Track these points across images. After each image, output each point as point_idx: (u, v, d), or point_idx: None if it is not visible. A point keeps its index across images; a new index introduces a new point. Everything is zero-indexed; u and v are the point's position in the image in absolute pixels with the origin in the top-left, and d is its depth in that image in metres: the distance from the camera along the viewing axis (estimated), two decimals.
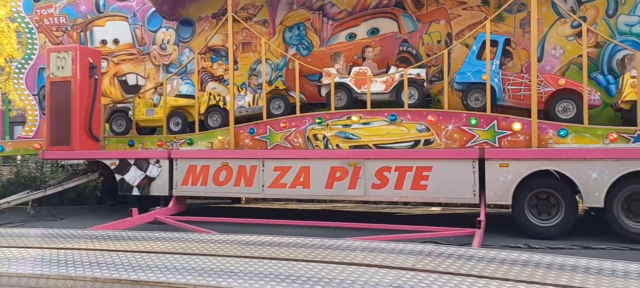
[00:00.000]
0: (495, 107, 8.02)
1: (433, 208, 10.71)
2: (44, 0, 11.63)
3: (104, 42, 11.52)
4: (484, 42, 8.07)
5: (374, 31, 9.81)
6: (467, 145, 7.82)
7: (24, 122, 11.61)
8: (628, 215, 6.95)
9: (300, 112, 8.86)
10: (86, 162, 10.72)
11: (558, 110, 7.76)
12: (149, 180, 9.27)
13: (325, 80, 8.95)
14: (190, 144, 9.44)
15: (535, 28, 7.70)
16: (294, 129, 8.78)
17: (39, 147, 10.56)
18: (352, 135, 8.44)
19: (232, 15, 9.21)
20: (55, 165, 12.59)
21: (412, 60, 9.32)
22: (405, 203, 10.96)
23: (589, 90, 7.64)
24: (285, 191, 8.54)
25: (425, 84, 8.56)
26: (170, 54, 11.16)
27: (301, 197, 9.49)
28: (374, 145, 8.29)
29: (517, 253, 5.08)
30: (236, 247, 5.37)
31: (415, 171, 7.77)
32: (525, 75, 8.10)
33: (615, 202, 6.92)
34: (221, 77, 10.74)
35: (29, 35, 11.57)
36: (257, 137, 9.01)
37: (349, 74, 8.85)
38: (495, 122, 7.73)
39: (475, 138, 7.82)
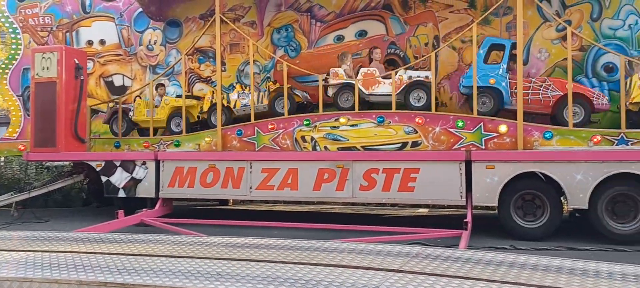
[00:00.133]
0: (502, 111, 7.99)
1: (420, 210, 10.76)
2: (28, 0, 11.50)
3: (90, 42, 11.42)
4: (490, 46, 8.07)
5: (362, 33, 9.84)
6: (454, 147, 7.87)
7: (8, 123, 11.45)
8: (612, 216, 7.04)
9: (306, 112, 8.77)
10: (71, 164, 10.61)
11: (566, 115, 7.68)
12: (135, 182, 9.20)
13: (332, 80, 8.78)
14: (177, 145, 9.39)
15: (521, 31, 7.77)
16: (281, 130, 8.77)
17: (23, 148, 10.43)
18: (340, 137, 8.45)
19: (220, 17, 9.17)
20: (40, 166, 12.43)
21: (400, 63, 9.35)
22: (393, 205, 11.01)
23: (596, 94, 7.72)
24: (273, 193, 8.52)
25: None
26: (157, 55, 11.08)
27: (289, 198, 9.48)
28: (362, 147, 8.31)
29: (503, 254, 5.12)
30: (223, 249, 5.35)
31: (403, 173, 7.80)
32: (533, 80, 8.10)
33: (599, 204, 7.01)
34: (209, 79, 10.69)
35: (13, 35, 11.43)
36: (244, 139, 8.98)
37: (357, 74, 8.73)
38: (481, 124, 7.79)
39: (462, 140, 7.87)
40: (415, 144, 8.08)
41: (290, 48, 10.24)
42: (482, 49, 8.16)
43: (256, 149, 8.87)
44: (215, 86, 9.90)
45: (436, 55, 8.70)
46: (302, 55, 10.12)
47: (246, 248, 5.36)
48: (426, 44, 9.38)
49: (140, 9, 10.89)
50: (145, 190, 9.13)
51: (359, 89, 8.52)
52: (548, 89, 7.90)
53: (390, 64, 9.51)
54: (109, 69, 11.34)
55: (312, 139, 8.59)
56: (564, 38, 8.21)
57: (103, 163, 9.37)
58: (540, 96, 7.91)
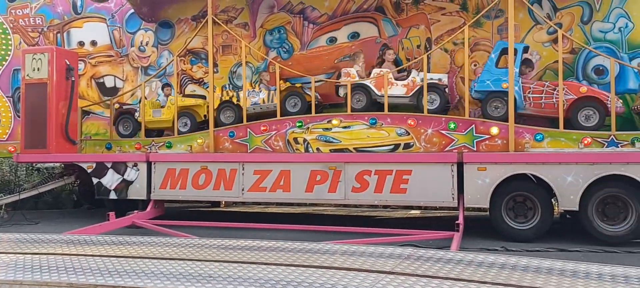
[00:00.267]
0: (516, 116, 7.86)
1: (412, 212, 10.78)
2: (19, 0, 11.42)
3: (81, 43, 11.36)
4: (502, 50, 8.02)
5: (354, 35, 9.85)
6: (446, 149, 7.90)
7: None
8: (602, 218, 7.09)
9: (316, 112, 8.74)
10: (62, 165, 10.54)
11: (581, 119, 7.66)
12: (126, 183, 9.15)
13: (343, 81, 8.70)
14: (169, 147, 9.35)
15: (513, 34, 7.81)
16: (274, 132, 8.76)
17: (13, 149, 10.34)
18: (333, 138, 8.45)
19: (213, 18, 9.15)
20: (30, 168, 12.34)
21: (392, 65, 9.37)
22: (385, 207, 11.03)
23: (610, 98, 7.64)
24: (266, 195, 8.51)
25: (446, 90, 8.49)
26: (149, 56, 11.04)
27: (281, 200, 9.46)
28: (354, 148, 8.32)
29: (495, 256, 5.15)
30: (215, 251, 5.34)
31: (395, 174, 7.82)
32: (546, 83, 8.03)
33: (589, 205, 7.06)
34: (201, 80, 10.66)
35: (3, 36, 11.35)
36: (237, 141, 8.96)
37: (369, 75, 8.67)
38: (473, 126, 7.83)
39: (454, 142, 7.90)
40: (407, 146, 8.10)
41: (283, 50, 10.23)
42: (494, 53, 8.08)
43: (248, 151, 8.85)
44: (207, 87, 9.88)
45: (428, 57, 8.73)
46: (294, 56, 10.12)
47: (238, 250, 5.35)
48: (418, 46, 9.41)
49: (132, 10, 10.85)
50: (136, 192, 9.09)
51: (371, 90, 8.47)
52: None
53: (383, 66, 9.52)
54: (100, 70, 11.28)
55: (305, 140, 8.58)
56: (555, 41, 8.26)
57: (94, 165, 9.32)
58: (554, 100, 7.83)
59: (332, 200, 8.33)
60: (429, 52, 8.94)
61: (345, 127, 8.40)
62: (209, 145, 9.04)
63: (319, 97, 9.32)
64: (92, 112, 10.96)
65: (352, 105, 8.53)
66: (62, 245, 5.81)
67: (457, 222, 7.12)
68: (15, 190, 10.09)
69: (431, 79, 8.31)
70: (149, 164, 9.08)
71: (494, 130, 7.73)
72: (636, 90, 8.17)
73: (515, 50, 7.97)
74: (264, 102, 9.25)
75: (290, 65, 9.70)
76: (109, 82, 11.25)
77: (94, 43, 11.32)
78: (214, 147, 9.01)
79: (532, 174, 7.28)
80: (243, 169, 8.57)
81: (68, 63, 9.67)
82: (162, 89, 10.26)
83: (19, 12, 11.46)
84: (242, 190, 8.55)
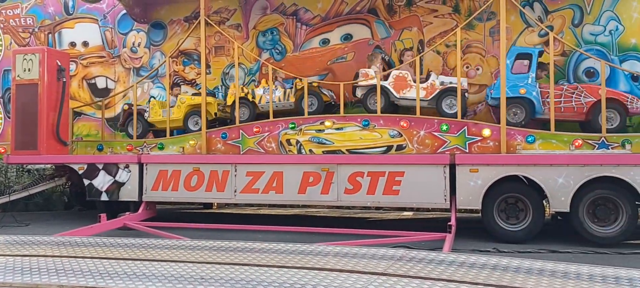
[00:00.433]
0: (534, 121, 7.90)
1: (405, 213, 10.80)
2: (9, 0, 11.34)
3: (72, 44, 11.30)
4: (517, 55, 7.99)
5: (347, 37, 9.87)
6: (439, 151, 7.92)
7: None
8: (593, 219, 7.14)
9: (331, 112, 8.69)
10: (53, 167, 10.47)
11: (601, 121, 7.58)
12: (118, 185, 9.10)
13: (362, 82, 8.60)
14: (161, 148, 9.31)
15: (504, 36, 7.86)
16: (267, 133, 8.75)
17: (3, 151, 10.26)
18: (326, 140, 8.45)
19: (205, 19, 9.13)
20: (21, 169, 12.23)
21: (385, 67, 9.39)
22: (378, 208, 11.04)
23: (630, 98, 7.69)
24: (258, 196, 8.49)
25: (466, 94, 8.42)
26: (141, 57, 11.00)
27: (274, 202, 9.46)
28: (347, 150, 8.33)
29: (486, 257, 5.17)
30: (207, 253, 5.32)
31: (388, 176, 7.83)
32: (565, 87, 7.99)
33: (580, 207, 7.10)
34: (193, 81, 10.63)
35: None
36: (229, 142, 8.95)
37: (387, 77, 8.55)
38: (465, 128, 7.86)
39: (446, 144, 7.93)
40: (400, 148, 8.12)
41: (276, 51, 10.23)
42: (509, 58, 7.99)
43: (241, 152, 8.84)
44: (199, 88, 9.85)
45: (421, 59, 8.76)
46: (287, 58, 10.12)
47: (230, 252, 5.33)
48: (411, 48, 9.44)
49: (124, 11, 10.81)
50: (128, 194, 9.04)
51: (390, 91, 8.41)
52: (580, 95, 7.80)
53: None
54: (92, 71, 11.22)
55: (298, 142, 8.58)
56: (546, 43, 8.32)
57: (85, 166, 9.26)
58: (573, 103, 7.81)
59: (325, 202, 8.32)
60: (422, 53, 8.98)
61: (337, 129, 8.41)
62: (201, 147, 9.01)
63: (334, 97, 9.25)
64: (83, 113, 10.91)
65: (369, 106, 8.49)
66: (52, 247, 5.76)
67: (449, 223, 7.14)
68: (6, 192, 10.01)
69: (451, 82, 8.24)
70: (141, 166, 9.03)
71: (486, 132, 7.76)
72: (626, 93, 8.22)
73: (531, 55, 7.91)
74: (280, 100, 9.11)
75: (283, 67, 9.71)
76: (100, 83, 11.20)
77: (85, 44, 11.26)
78: (207, 149, 8.99)
79: (523, 176, 7.32)
80: (235, 171, 8.54)
81: (59, 64, 9.61)
82: (171, 89, 10.14)
83: (10, 12, 11.38)
84: (235, 191, 8.53)
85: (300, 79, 9.03)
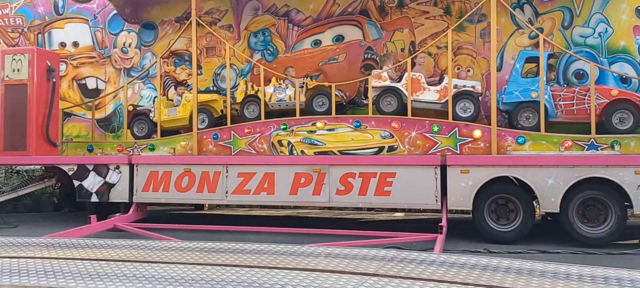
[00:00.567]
0: (547, 125, 7.84)
1: (396, 214, 10.83)
2: None
3: (63, 44, 11.22)
4: (527, 59, 8.01)
5: (339, 38, 9.89)
6: (430, 152, 7.95)
7: None
8: (582, 220, 7.20)
9: (343, 112, 8.64)
10: (43, 168, 10.38)
11: (615, 122, 7.62)
12: (108, 186, 9.04)
13: (374, 83, 8.54)
14: (152, 149, 9.27)
15: (495, 38, 7.91)
16: (258, 134, 8.74)
17: None
18: (317, 141, 8.46)
19: (197, 20, 9.11)
20: (10, 170, 12.14)
21: (377, 68, 9.42)
22: (370, 209, 11.06)
23: None
24: (249, 197, 8.48)
25: (480, 98, 8.37)
26: (131, 58, 10.95)
27: (265, 203, 9.44)
28: (338, 151, 8.33)
29: (477, 257, 5.19)
30: (198, 254, 5.30)
31: (379, 177, 7.84)
32: (576, 89, 8.00)
33: (570, 208, 7.16)
34: (184, 82, 10.60)
35: None
36: (220, 143, 8.92)
37: (400, 79, 8.53)
38: (456, 129, 7.89)
39: (437, 145, 7.96)
40: (391, 149, 8.14)
41: (267, 52, 10.23)
42: (518, 63, 8.00)
43: (232, 153, 8.81)
44: (190, 89, 9.82)
45: (412, 60, 8.78)
46: (279, 59, 10.12)
47: (221, 253, 5.32)
48: (402, 50, 9.48)
49: (115, 11, 10.76)
50: (118, 195, 8.98)
51: (403, 93, 8.37)
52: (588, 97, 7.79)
53: (366, 69, 9.58)
54: (82, 71, 11.16)
55: (289, 143, 8.58)
56: (537, 45, 8.38)
57: (75, 167, 9.19)
58: (586, 105, 7.82)
59: (317, 203, 8.32)
60: (413, 55, 9.01)
61: (329, 130, 8.41)
62: (193, 148, 8.98)
63: (344, 97, 9.23)
64: (73, 114, 10.84)
65: (381, 108, 8.48)
66: (42, 248, 5.71)
67: (440, 224, 7.16)
68: None
69: (465, 85, 8.25)
70: (132, 167, 8.98)
71: (477, 133, 7.81)
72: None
73: (539, 59, 7.85)
74: (290, 99, 9.02)
75: (274, 68, 9.70)
76: (91, 84, 11.13)
77: (75, 44, 11.19)
78: (198, 150, 8.96)
79: (514, 177, 7.36)
80: (227, 172, 8.52)
81: (49, 64, 9.54)
82: (175, 88, 10.07)
83: None
84: (226, 192, 8.51)
85: (311, 78, 9.06)
